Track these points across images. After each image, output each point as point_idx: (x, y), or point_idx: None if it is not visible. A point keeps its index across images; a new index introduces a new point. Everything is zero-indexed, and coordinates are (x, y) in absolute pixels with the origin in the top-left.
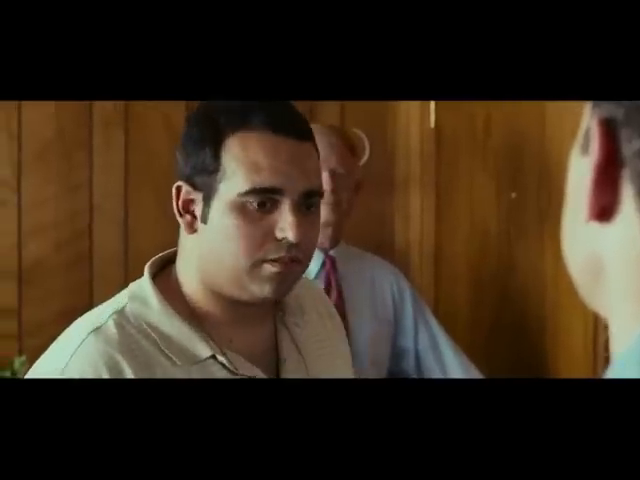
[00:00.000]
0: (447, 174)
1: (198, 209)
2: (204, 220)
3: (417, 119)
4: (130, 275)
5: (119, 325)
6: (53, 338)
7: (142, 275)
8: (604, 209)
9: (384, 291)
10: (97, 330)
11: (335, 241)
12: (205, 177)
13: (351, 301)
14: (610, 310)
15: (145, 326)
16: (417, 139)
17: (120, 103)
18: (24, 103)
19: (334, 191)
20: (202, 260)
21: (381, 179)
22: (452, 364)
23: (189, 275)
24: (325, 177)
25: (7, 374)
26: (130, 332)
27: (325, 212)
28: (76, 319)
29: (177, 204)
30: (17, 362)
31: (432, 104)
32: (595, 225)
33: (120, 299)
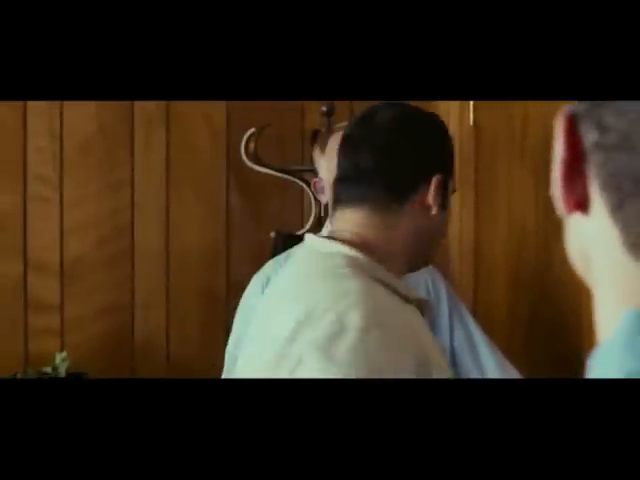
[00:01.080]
0: (486, 172)
1: (437, 197)
2: (445, 206)
3: (456, 118)
4: (171, 272)
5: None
6: (94, 334)
7: (186, 271)
8: (578, 203)
9: (419, 289)
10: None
11: None
12: (441, 172)
13: None
14: (596, 299)
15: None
16: (456, 138)
17: (161, 100)
18: (66, 102)
19: None
20: (423, 236)
21: None
22: (488, 362)
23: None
24: None
25: (48, 369)
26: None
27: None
28: (117, 316)
29: (436, 192)
30: (58, 358)
31: (471, 104)
32: (577, 217)
33: None
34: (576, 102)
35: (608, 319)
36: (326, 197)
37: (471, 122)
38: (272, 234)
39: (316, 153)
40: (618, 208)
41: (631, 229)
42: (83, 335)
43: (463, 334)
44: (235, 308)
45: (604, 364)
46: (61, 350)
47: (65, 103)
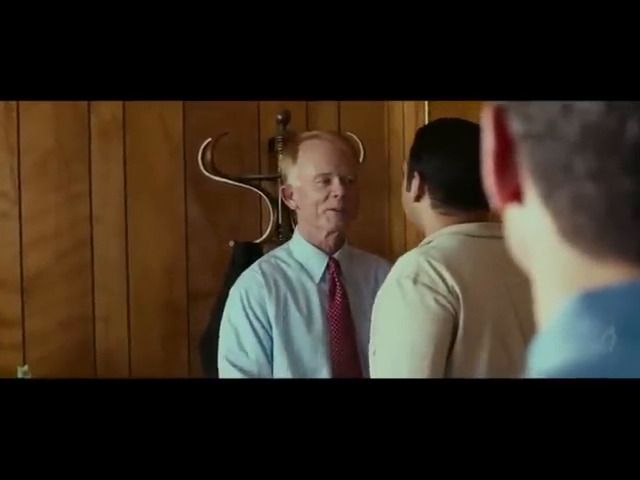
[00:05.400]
0: None
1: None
2: None
3: (412, 118)
4: (132, 283)
5: None
6: (56, 348)
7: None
8: (512, 194)
9: (367, 280)
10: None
11: (339, 244)
12: None
13: (356, 302)
14: (537, 287)
15: None
16: (412, 140)
17: (118, 112)
18: (22, 116)
19: (345, 197)
20: None
21: (377, 181)
22: None
23: None
24: (336, 184)
25: None
26: None
27: (335, 218)
28: (78, 329)
29: None
30: (20, 372)
31: (426, 103)
32: (513, 208)
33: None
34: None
35: (548, 307)
36: (295, 202)
37: (426, 114)
38: (231, 243)
39: (286, 162)
40: (549, 197)
41: (563, 217)
42: (44, 349)
43: None
44: (196, 318)
45: (546, 351)
46: (23, 364)
47: (22, 117)
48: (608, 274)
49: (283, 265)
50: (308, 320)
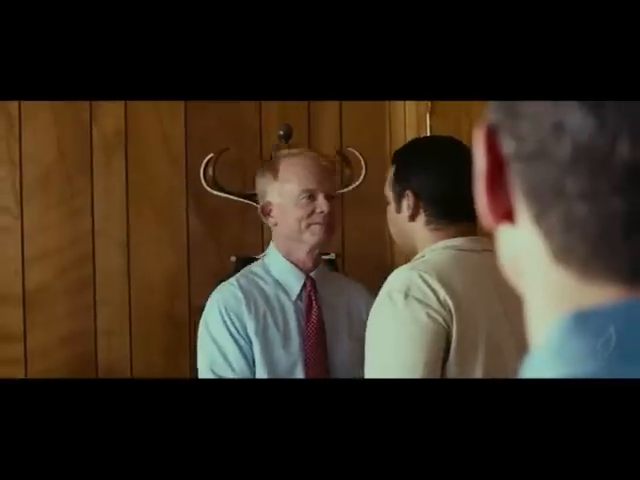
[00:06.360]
0: None
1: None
2: None
3: (414, 124)
4: (133, 298)
5: None
6: (58, 363)
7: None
8: (504, 214)
9: (361, 311)
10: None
11: (317, 264)
12: None
13: (330, 322)
14: (528, 307)
15: None
16: None
17: (120, 125)
18: (25, 131)
19: (330, 213)
20: None
21: (380, 197)
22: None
23: None
24: (321, 199)
25: None
26: None
27: (320, 232)
28: (80, 343)
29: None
30: None
31: (427, 121)
32: (505, 228)
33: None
34: (493, 112)
35: (540, 325)
36: (274, 219)
37: (428, 128)
38: (232, 258)
39: (266, 179)
40: (540, 217)
41: (554, 237)
42: (46, 364)
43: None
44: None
45: (537, 369)
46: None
47: (24, 131)
48: (599, 294)
49: (260, 281)
50: (285, 337)
